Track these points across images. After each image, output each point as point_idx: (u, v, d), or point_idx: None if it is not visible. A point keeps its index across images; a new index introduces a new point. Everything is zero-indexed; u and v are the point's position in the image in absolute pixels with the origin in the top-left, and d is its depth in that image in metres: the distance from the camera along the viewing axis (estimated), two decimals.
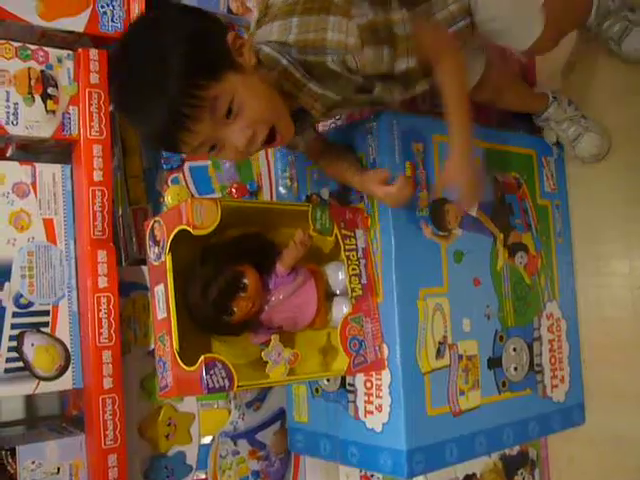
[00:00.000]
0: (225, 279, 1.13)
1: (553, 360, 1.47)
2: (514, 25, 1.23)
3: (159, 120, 0.94)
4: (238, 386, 1.06)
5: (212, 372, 1.04)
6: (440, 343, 1.26)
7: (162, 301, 1.13)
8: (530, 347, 1.42)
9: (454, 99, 1.12)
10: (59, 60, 1.30)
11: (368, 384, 1.25)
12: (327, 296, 1.25)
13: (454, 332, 1.28)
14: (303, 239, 1.18)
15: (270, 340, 1.12)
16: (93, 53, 1.31)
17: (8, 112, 1.24)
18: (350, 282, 1.22)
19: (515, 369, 1.39)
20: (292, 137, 1.11)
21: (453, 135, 1.13)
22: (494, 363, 1.35)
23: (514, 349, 1.39)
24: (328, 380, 1.32)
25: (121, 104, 1.05)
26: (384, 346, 1.23)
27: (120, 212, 1.41)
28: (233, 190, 1.52)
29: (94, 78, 1.31)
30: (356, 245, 1.24)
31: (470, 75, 1.33)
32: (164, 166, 1.48)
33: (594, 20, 1.40)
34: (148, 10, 1.02)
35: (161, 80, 0.92)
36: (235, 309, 1.14)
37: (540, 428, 1.43)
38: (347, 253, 1.22)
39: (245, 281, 1.14)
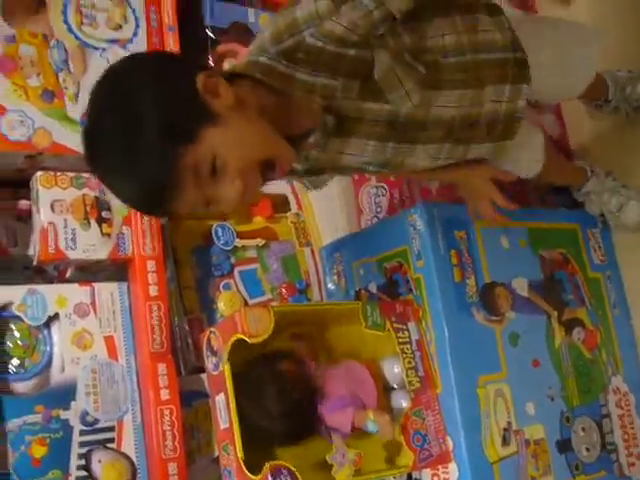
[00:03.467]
0: None
1: (626, 437, 1.41)
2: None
3: (143, 195, 0.89)
4: None
5: None
6: (505, 430, 1.23)
7: (223, 410, 1.14)
8: (599, 425, 1.38)
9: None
10: None
11: (435, 478, 1.22)
12: (385, 390, 1.25)
13: (518, 417, 1.26)
14: None
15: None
16: None
17: (67, 238, 1.31)
18: (407, 375, 1.21)
19: (587, 450, 1.34)
20: (294, 161, 1.01)
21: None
22: (564, 446, 1.31)
23: (583, 429, 1.35)
24: (394, 477, 1.30)
25: (104, 178, 0.94)
26: (448, 438, 1.21)
27: (176, 322, 1.44)
28: (283, 290, 1.55)
29: None
30: (409, 338, 1.24)
31: (533, 161, 1.27)
32: (215, 273, 1.52)
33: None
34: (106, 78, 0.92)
35: (136, 156, 0.86)
36: None
37: None
38: (401, 346, 1.23)
39: None
